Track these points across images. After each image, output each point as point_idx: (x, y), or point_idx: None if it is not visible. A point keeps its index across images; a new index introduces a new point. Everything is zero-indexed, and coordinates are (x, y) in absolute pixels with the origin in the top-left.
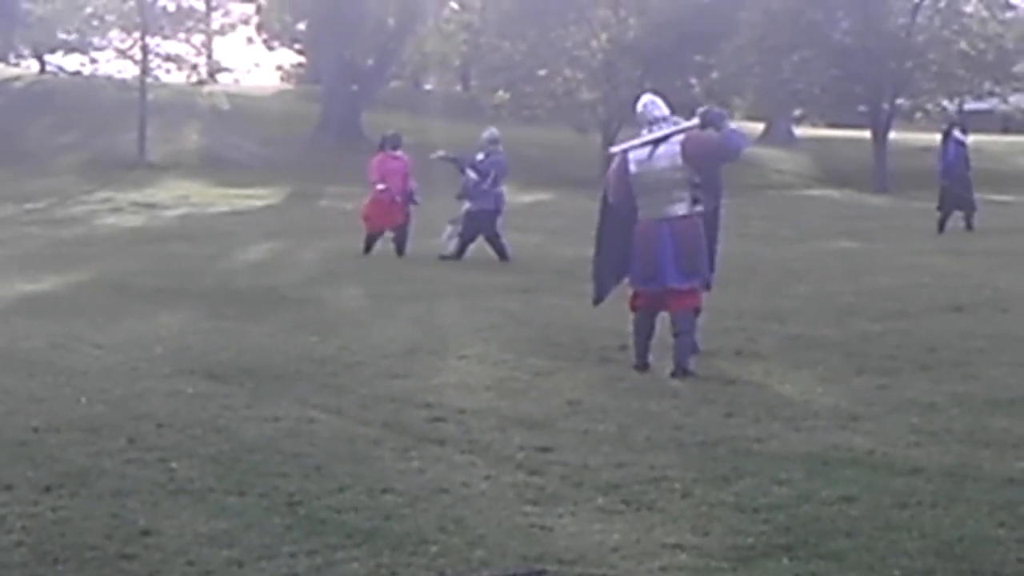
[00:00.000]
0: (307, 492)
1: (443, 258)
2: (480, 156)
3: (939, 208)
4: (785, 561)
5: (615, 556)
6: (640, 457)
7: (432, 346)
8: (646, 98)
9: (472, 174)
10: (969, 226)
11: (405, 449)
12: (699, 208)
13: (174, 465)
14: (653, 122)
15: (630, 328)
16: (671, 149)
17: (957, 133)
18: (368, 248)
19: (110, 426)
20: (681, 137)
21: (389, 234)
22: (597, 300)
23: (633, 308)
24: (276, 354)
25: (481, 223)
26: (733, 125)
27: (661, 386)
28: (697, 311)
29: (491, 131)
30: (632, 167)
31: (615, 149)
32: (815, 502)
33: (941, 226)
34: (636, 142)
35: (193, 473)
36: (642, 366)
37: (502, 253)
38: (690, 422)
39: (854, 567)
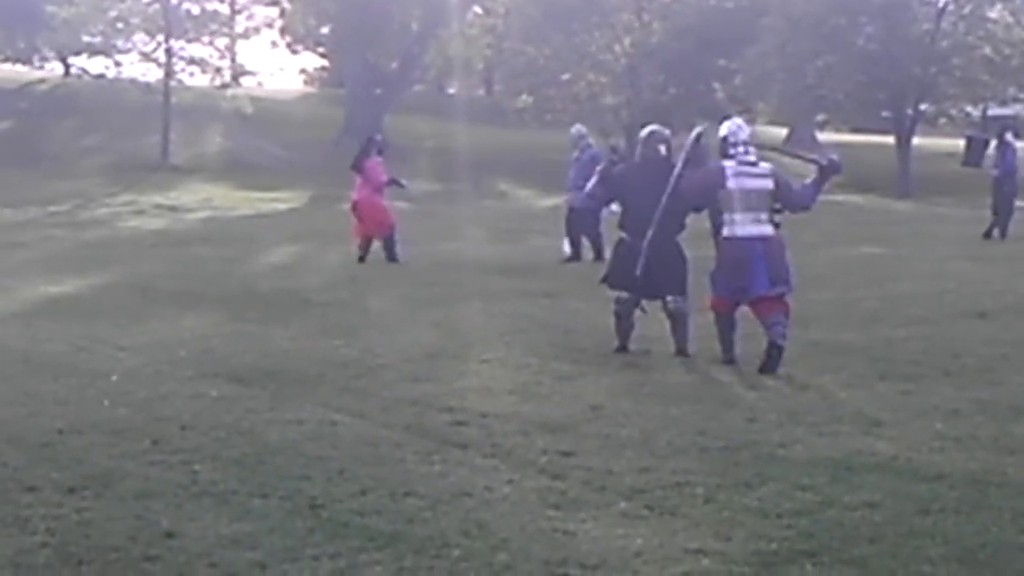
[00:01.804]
0: (330, 495)
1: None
2: (575, 154)
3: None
4: (808, 567)
5: (638, 561)
6: (663, 462)
7: (455, 350)
8: (735, 122)
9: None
10: (989, 233)
11: (428, 453)
12: (779, 229)
13: (197, 467)
14: (741, 144)
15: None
16: (766, 182)
17: (1009, 137)
18: (394, 254)
19: (134, 428)
20: (773, 178)
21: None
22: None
23: (715, 309)
24: (299, 357)
25: (585, 222)
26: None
27: (684, 391)
28: (787, 314)
29: (578, 127)
30: (731, 183)
31: (728, 165)
32: (838, 508)
33: (1003, 231)
34: (742, 166)
35: (216, 475)
36: (730, 360)
37: (599, 252)
38: (713, 427)
39: (877, 573)
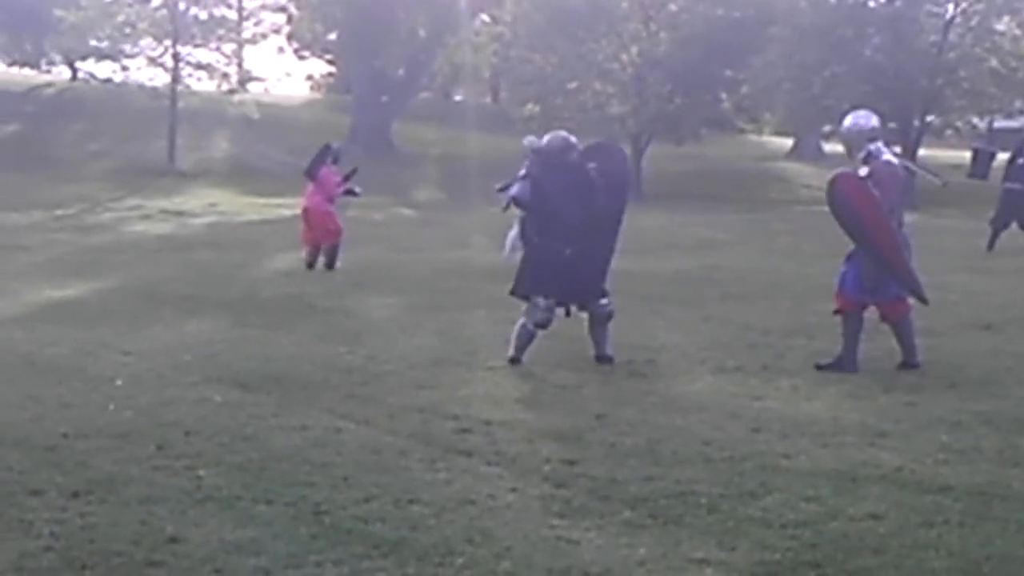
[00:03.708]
0: (334, 502)
1: None
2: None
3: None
4: None
5: (641, 570)
6: (667, 471)
7: (459, 357)
8: (866, 112)
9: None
10: (992, 245)
11: (432, 460)
12: None
13: (202, 473)
14: (877, 137)
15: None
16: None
17: None
18: (334, 261)
19: (138, 433)
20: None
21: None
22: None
23: (844, 311)
24: (303, 363)
25: None
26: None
27: (688, 401)
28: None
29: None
30: (904, 174)
31: (904, 162)
32: (842, 519)
33: None
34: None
35: (221, 481)
36: (852, 365)
37: None
38: (717, 437)
39: None
